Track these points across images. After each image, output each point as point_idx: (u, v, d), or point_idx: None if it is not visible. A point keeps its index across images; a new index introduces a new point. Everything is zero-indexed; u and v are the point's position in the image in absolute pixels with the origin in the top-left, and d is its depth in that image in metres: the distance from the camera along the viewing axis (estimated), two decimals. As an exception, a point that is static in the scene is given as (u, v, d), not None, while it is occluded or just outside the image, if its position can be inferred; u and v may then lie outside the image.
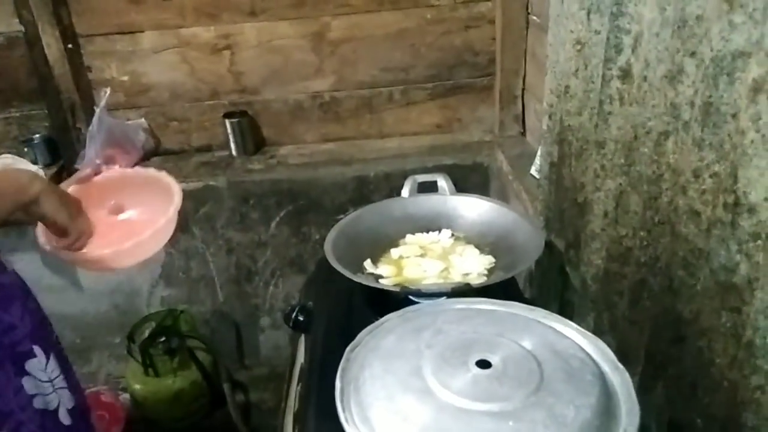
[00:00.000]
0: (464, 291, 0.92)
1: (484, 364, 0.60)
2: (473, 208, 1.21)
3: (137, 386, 1.92)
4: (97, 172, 1.06)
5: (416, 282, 1.08)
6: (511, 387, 0.57)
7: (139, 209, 1.08)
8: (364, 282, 0.97)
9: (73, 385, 1.00)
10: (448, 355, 0.60)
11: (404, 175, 1.92)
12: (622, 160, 0.82)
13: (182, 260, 2.00)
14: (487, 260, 1.11)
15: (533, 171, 1.61)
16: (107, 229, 1.00)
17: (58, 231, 0.91)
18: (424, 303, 0.72)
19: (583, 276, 0.99)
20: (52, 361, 0.94)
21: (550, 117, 1.16)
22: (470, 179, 1.88)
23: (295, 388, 1.01)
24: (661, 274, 0.72)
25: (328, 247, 1.09)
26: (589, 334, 0.66)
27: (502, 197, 1.78)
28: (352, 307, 1.10)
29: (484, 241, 1.17)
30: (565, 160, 1.07)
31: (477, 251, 1.14)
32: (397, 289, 0.95)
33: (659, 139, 0.71)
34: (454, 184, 1.88)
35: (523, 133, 1.87)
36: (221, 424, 2.00)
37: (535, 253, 1.01)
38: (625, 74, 0.81)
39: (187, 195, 1.92)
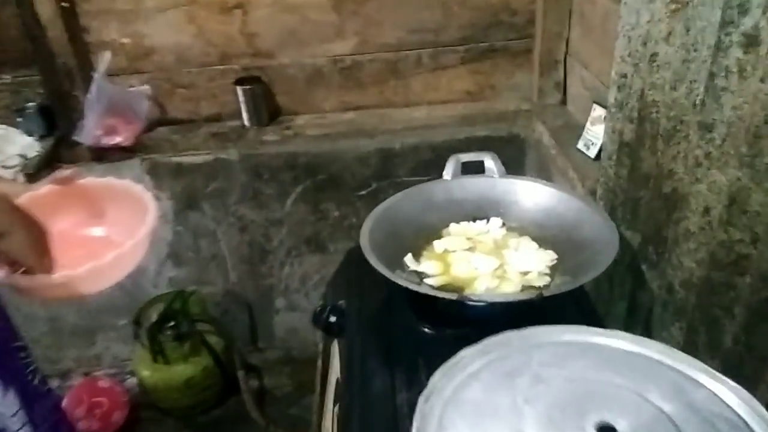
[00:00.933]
0: (535, 301, 0.77)
1: (606, 431, 0.45)
2: (528, 194, 1.06)
3: (145, 373, 1.80)
4: (75, 177, 0.87)
5: (467, 282, 0.93)
6: (649, 466, 0.43)
7: (111, 227, 0.90)
8: (414, 288, 0.82)
9: (38, 423, 0.85)
10: (557, 417, 0.46)
11: (433, 148, 1.78)
12: (743, 149, 0.66)
13: (191, 238, 1.86)
14: (548, 256, 0.96)
15: (581, 146, 1.45)
16: (72, 246, 0.82)
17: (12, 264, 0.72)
18: (507, 333, 0.58)
19: (669, 279, 0.84)
20: (11, 395, 0.79)
21: (619, 89, 1.00)
22: (505, 153, 1.71)
23: (331, 408, 0.87)
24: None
25: (364, 240, 0.94)
26: (727, 380, 0.52)
27: (543, 173, 1.62)
28: (393, 310, 0.96)
29: (543, 232, 1.02)
30: (644, 142, 0.91)
31: (535, 245, 0.99)
32: (454, 297, 0.80)
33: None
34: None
35: (564, 102, 1.70)
36: (235, 411, 1.89)
37: (609, 253, 0.86)
38: (752, 42, 0.65)
39: (195, 169, 1.79)
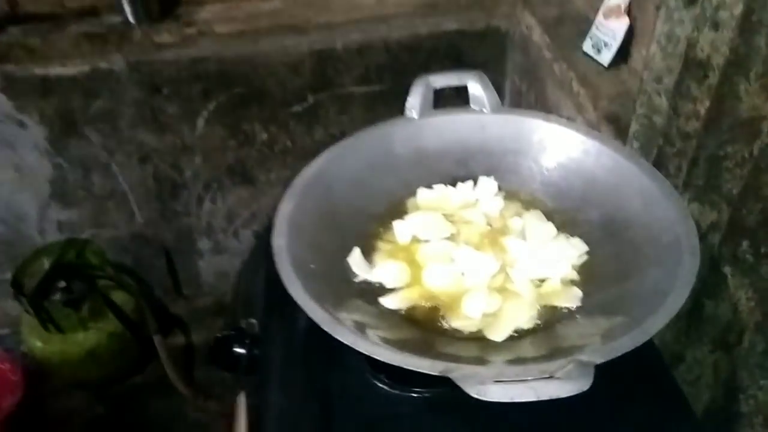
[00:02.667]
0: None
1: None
2: (538, 139, 0.69)
3: (37, 344, 1.44)
4: None
5: (450, 301, 0.58)
6: None
7: None
8: (367, 352, 0.47)
9: None
10: None
11: (386, 48, 1.35)
12: None
13: (79, 173, 1.43)
14: (575, 250, 0.61)
15: (588, 48, 1.06)
16: None
17: None
18: None
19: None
20: None
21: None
22: (479, 54, 1.32)
23: None
24: None
25: (279, 239, 0.57)
26: None
27: (532, 84, 1.24)
28: (333, 347, 0.61)
29: (561, 205, 0.66)
30: (748, 67, 0.54)
31: (552, 227, 0.64)
32: (436, 372, 0.45)
33: None
34: (457, 60, 1.35)
35: (557, -18, 1.28)
36: (157, 377, 1.57)
37: (683, 255, 0.52)
38: None
39: (68, 83, 1.32)
